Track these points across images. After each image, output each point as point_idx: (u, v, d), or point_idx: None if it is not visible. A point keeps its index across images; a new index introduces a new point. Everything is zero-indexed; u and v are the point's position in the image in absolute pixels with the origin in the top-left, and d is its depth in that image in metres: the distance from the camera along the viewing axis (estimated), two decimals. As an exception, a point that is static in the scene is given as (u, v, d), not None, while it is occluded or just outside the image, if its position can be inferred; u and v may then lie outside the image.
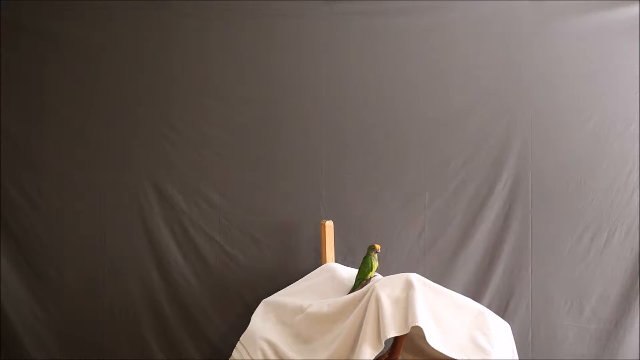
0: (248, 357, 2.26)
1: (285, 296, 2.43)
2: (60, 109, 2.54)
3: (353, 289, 2.33)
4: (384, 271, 2.39)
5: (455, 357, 2.08)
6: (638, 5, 2.90)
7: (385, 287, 2.13)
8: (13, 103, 2.50)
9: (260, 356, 2.22)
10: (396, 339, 2.19)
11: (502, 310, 2.80)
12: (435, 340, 2.06)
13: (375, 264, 2.33)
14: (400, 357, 2.23)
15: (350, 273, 2.45)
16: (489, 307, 2.32)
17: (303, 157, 2.70)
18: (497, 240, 2.83)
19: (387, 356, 2.25)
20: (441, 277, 2.71)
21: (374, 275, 2.33)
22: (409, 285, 2.11)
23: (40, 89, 2.53)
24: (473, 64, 2.83)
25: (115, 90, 2.57)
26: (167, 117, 2.61)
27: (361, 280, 2.33)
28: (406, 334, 2.09)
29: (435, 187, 2.79)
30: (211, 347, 2.61)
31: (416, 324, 2.02)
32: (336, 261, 2.62)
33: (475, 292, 2.77)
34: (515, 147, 2.85)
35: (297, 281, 2.52)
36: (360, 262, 2.37)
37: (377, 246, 2.37)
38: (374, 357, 2.04)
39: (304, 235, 2.69)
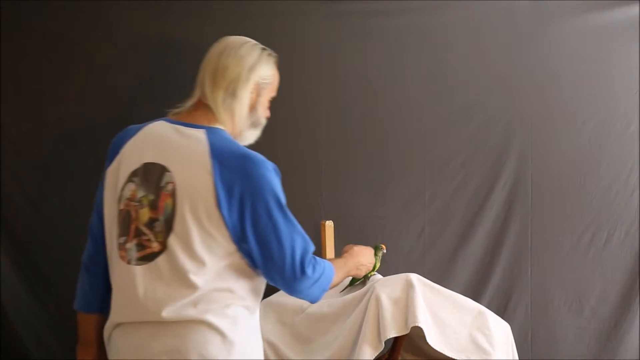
0: (248, 357, 2.26)
1: (285, 296, 2.42)
2: (60, 109, 2.52)
3: (350, 285, 2.33)
4: (384, 271, 2.39)
5: (455, 358, 2.08)
6: (638, 5, 2.90)
7: (385, 287, 2.13)
8: (13, 103, 2.49)
9: (260, 356, 2.22)
10: (396, 339, 2.19)
11: (502, 310, 2.80)
12: (435, 340, 2.07)
13: (378, 265, 2.33)
14: (400, 357, 2.23)
15: (350, 273, 2.45)
16: (489, 307, 2.32)
17: (303, 157, 2.70)
18: (497, 240, 2.83)
19: (387, 356, 2.25)
20: (441, 277, 2.71)
21: (374, 274, 2.33)
22: (408, 286, 2.12)
23: (40, 89, 2.52)
24: (473, 63, 2.82)
25: (115, 90, 2.56)
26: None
27: (362, 278, 2.32)
28: (406, 334, 2.10)
29: (435, 187, 2.79)
30: (211, 347, 2.60)
31: (416, 324, 2.02)
32: (336, 261, 2.61)
33: (475, 292, 2.78)
34: (515, 147, 2.85)
35: (297, 281, 2.51)
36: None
37: (384, 246, 2.35)
38: (374, 357, 2.04)
39: (304, 236, 2.68)
